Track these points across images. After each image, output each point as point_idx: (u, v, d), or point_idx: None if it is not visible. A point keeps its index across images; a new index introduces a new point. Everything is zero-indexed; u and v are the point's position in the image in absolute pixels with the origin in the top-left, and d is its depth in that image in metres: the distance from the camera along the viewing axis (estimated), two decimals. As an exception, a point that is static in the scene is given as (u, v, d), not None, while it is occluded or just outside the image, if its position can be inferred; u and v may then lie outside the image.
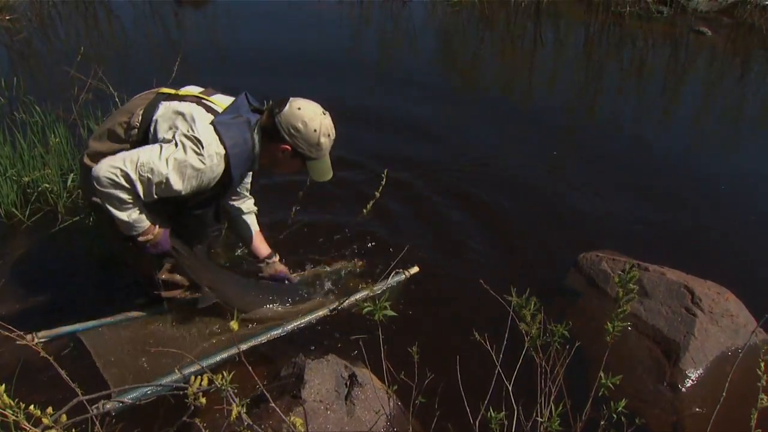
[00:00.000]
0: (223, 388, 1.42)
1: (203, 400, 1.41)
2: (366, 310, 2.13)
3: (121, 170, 2.48)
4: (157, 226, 2.75)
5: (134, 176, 2.49)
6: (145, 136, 2.68)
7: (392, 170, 4.07)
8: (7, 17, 7.69)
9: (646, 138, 5.53)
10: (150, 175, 2.50)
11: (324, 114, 2.76)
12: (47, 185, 3.92)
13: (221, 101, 2.80)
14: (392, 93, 6.03)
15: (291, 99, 2.75)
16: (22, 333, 1.94)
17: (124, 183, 2.50)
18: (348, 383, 2.59)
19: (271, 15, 8.40)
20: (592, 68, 7.37)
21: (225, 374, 1.46)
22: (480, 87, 6.74)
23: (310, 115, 2.71)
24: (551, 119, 5.87)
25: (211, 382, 1.42)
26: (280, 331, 3.14)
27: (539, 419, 2.05)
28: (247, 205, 3.34)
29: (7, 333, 1.99)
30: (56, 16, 8.17)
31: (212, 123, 2.65)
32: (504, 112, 5.94)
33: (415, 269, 3.57)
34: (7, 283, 3.44)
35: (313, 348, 3.06)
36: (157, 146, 2.58)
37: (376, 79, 6.43)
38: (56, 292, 3.40)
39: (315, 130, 2.71)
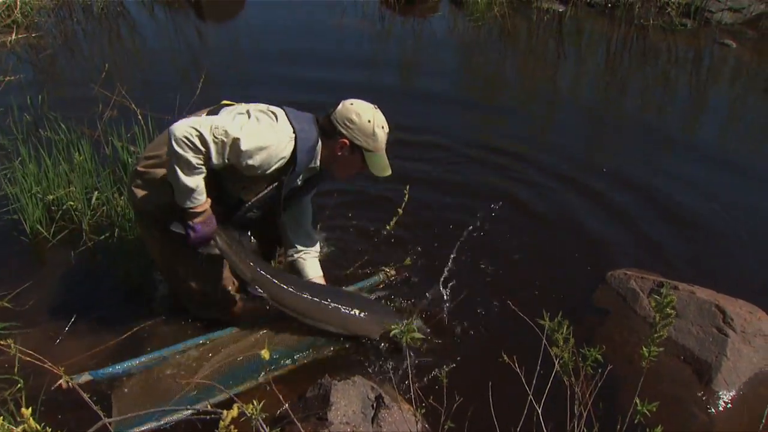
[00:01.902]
0: (254, 417, 1.40)
1: (235, 432, 1.39)
2: (393, 332, 2.11)
3: (197, 130, 2.58)
4: (209, 202, 2.82)
5: (209, 137, 2.59)
6: None
7: (412, 186, 4.01)
8: (33, 35, 7.76)
9: (671, 153, 5.47)
10: (224, 138, 2.62)
11: (375, 109, 2.94)
12: (72, 203, 3.93)
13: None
14: (413, 108, 5.99)
15: (343, 100, 2.93)
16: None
17: (198, 144, 2.59)
18: (374, 405, 2.55)
19: (293, 30, 8.41)
20: (615, 82, 7.29)
21: (255, 403, 1.44)
22: (501, 102, 6.68)
23: (363, 108, 2.90)
24: (573, 135, 5.81)
25: (242, 414, 1.40)
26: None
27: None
28: (316, 248, 3.41)
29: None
30: (80, 33, 8.24)
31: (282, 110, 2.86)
32: (524, 127, 5.88)
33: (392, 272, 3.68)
34: (35, 304, 3.45)
35: (338, 369, 3.00)
36: (232, 113, 2.77)
37: (397, 94, 6.40)
38: (81, 314, 3.38)
39: (369, 121, 2.87)
